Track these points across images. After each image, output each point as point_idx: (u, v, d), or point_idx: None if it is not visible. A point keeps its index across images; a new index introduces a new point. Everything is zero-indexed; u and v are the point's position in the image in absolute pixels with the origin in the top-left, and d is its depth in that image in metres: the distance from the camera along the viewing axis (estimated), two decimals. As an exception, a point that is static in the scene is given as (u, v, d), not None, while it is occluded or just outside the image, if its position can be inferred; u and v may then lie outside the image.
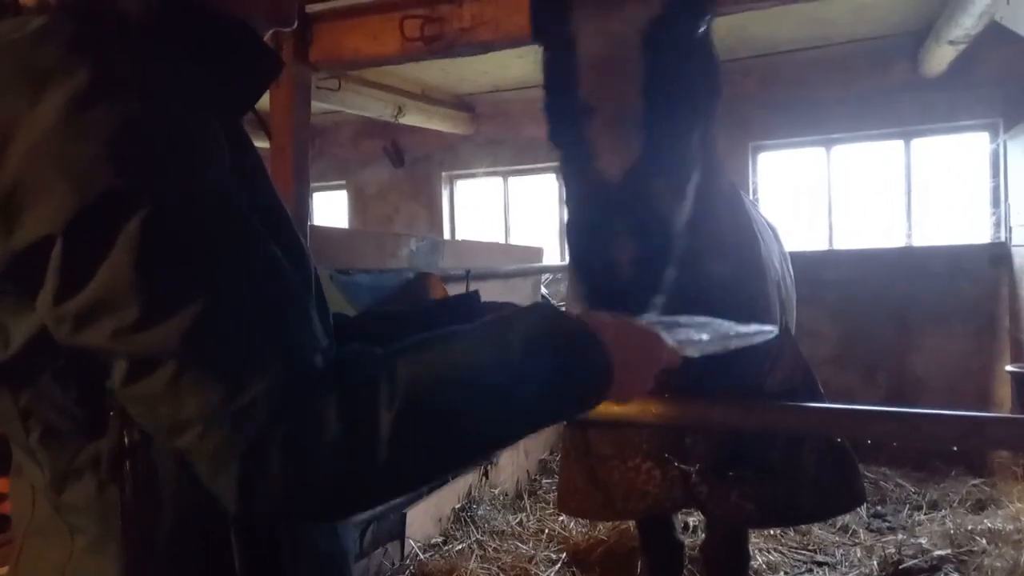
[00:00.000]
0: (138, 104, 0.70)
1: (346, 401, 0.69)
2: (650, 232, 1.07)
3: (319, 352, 0.73)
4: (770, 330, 1.15)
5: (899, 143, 6.27)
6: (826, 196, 6.53)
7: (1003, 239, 5.69)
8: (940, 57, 5.29)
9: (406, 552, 3.69)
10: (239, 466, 0.66)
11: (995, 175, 5.88)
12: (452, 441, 0.76)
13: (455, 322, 0.87)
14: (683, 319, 1.09)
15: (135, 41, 0.76)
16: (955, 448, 1.86)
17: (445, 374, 0.76)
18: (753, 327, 1.15)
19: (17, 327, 0.75)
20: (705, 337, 1.06)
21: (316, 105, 5.32)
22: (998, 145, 5.81)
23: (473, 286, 4.04)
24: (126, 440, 0.76)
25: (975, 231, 6.05)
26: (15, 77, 0.70)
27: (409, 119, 6.76)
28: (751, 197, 6.14)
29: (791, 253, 2.87)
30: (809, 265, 5.20)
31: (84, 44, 0.71)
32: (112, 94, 0.69)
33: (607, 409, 1.80)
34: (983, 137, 6.02)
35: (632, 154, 1.10)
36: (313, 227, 3.14)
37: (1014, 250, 5.46)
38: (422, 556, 3.70)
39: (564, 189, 1.28)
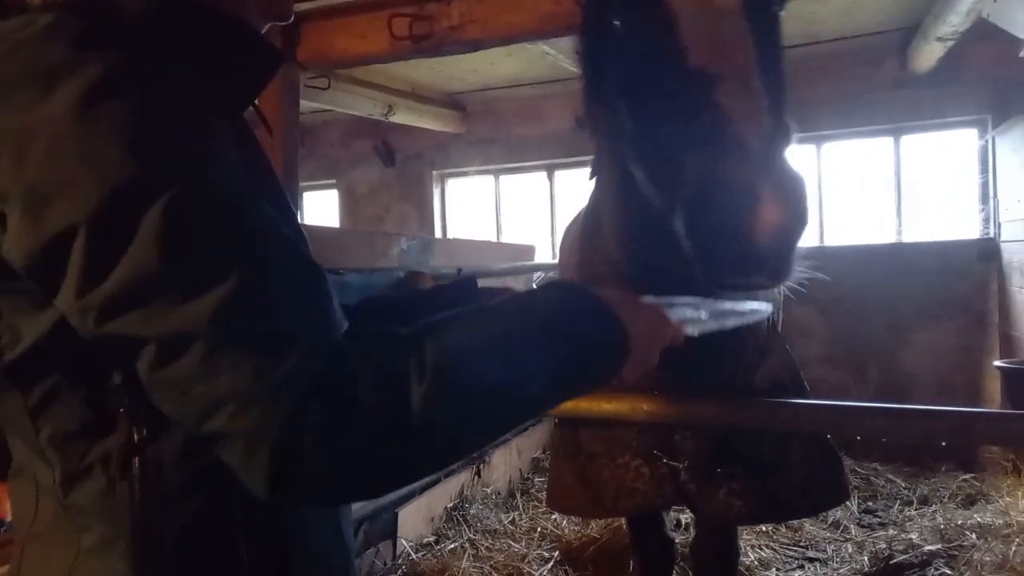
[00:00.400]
0: (149, 97, 0.71)
1: (377, 376, 0.70)
2: (798, 201, 1.04)
3: (345, 330, 0.74)
4: (765, 308, 1.16)
5: (888, 140, 6.29)
6: (816, 193, 6.55)
7: (992, 235, 5.72)
8: (928, 54, 5.31)
9: (398, 551, 3.69)
10: (273, 443, 0.66)
11: (984, 171, 5.91)
12: (483, 413, 0.78)
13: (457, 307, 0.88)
14: (678, 299, 1.09)
15: (136, 39, 0.76)
16: (944, 444, 1.87)
17: (472, 346, 0.77)
18: (748, 305, 1.16)
19: (28, 328, 0.75)
20: (703, 315, 1.07)
21: (306, 104, 5.31)
22: (987, 141, 5.84)
23: (464, 285, 4.02)
24: (135, 437, 0.76)
25: (964, 227, 6.08)
26: (26, 76, 0.70)
27: (399, 118, 6.74)
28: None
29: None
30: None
31: (92, 40, 0.72)
32: (123, 87, 0.70)
33: (597, 406, 1.80)
34: (971, 133, 6.05)
35: (767, 120, 1.09)
36: (303, 226, 3.12)
37: (1003, 246, 5.50)
38: (414, 555, 3.69)
39: (661, 161, 1.22)
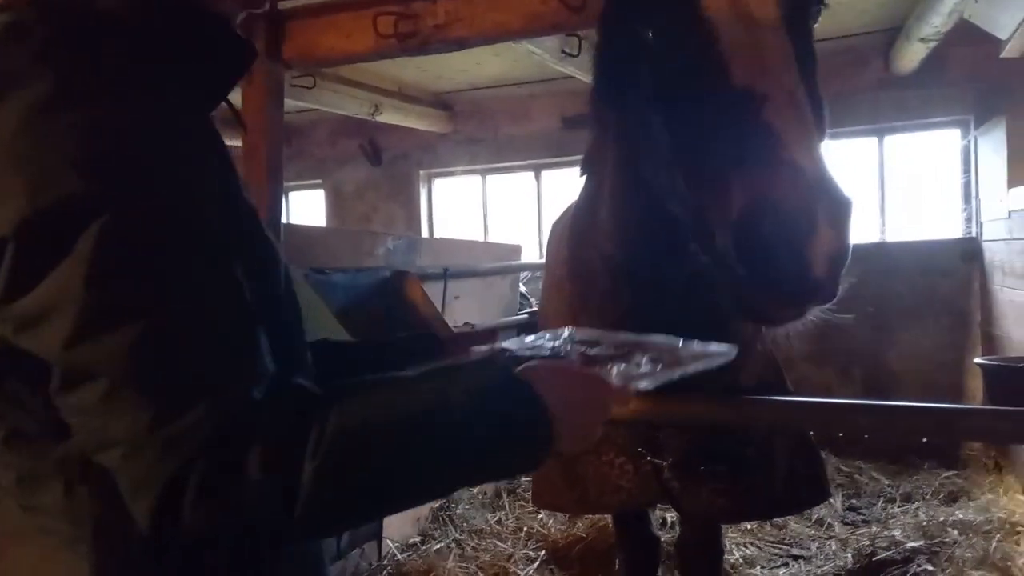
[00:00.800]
0: (105, 111, 0.69)
1: (272, 446, 0.68)
2: (845, 221, 1.02)
3: (259, 386, 0.71)
4: (728, 350, 1.11)
5: (873, 140, 6.34)
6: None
7: (974, 234, 5.77)
8: (912, 55, 5.36)
9: (383, 552, 3.68)
10: (156, 495, 0.66)
11: (966, 171, 5.97)
12: (375, 495, 0.75)
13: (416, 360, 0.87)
14: (647, 340, 1.07)
15: (112, 38, 0.75)
16: (925, 440, 1.89)
17: (378, 425, 0.74)
18: (713, 347, 1.11)
19: None
20: (659, 367, 1.03)
21: (292, 103, 5.28)
22: (969, 141, 5.90)
23: (451, 284, 4.03)
24: None
25: (947, 227, 6.14)
26: None
27: (386, 117, 6.73)
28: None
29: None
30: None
31: (52, 46, 0.70)
32: (78, 100, 0.68)
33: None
34: (954, 134, 6.11)
35: (818, 142, 1.07)
36: (288, 226, 3.12)
37: (985, 245, 5.55)
38: (400, 556, 3.69)
39: (698, 175, 1.19)
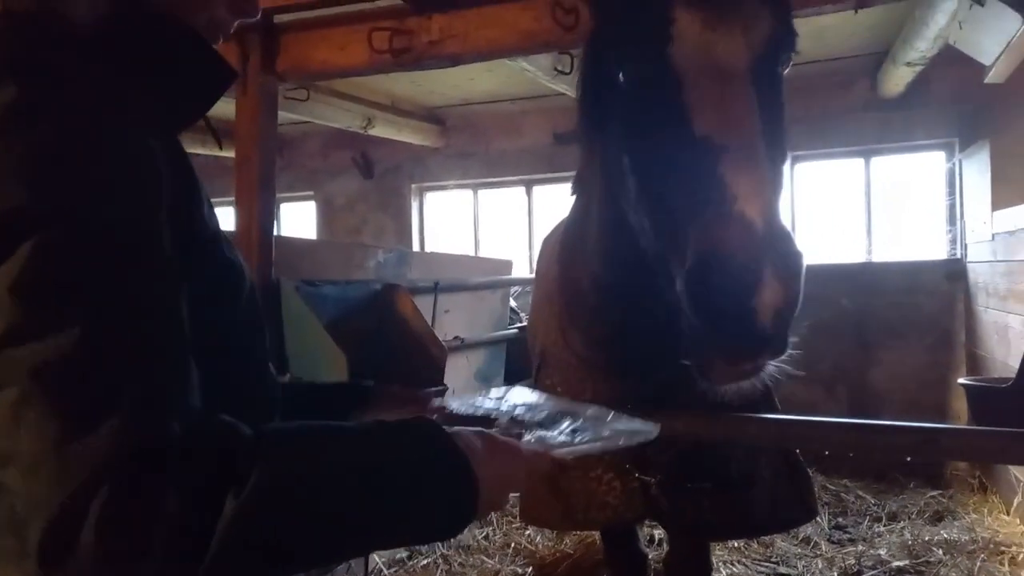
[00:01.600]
0: (62, 127, 0.69)
1: (187, 484, 0.65)
2: (797, 279, 1.03)
3: (179, 418, 0.68)
4: (653, 429, 1.11)
5: (859, 161, 6.42)
6: (788, 213, 6.65)
7: (959, 255, 5.84)
8: (898, 78, 5.44)
9: (370, 568, 3.65)
10: (49, 518, 0.62)
11: (951, 193, 6.04)
12: (291, 549, 0.71)
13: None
14: (580, 408, 1.10)
15: (79, 52, 0.74)
16: (909, 459, 1.90)
17: (304, 481, 0.71)
18: (638, 423, 1.12)
19: None
20: (579, 438, 1.04)
21: (284, 115, 5.28)
22: (954, 164, 5.98)
23: (442, 298, 4.03)
24: None
25: (932, 248, 6.21)
26: None
27: (379, 131, 6.74)
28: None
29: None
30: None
31: (18, 58, 0.70)
32: (36, 113, 0.68)
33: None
34: (939, 156, 6.19)
35: (772, 196, 1.07)
36: (278, 238, 3.11)
37: (969, 266, 5.61)
38: (387, 572, 3.66)
39: (655, 221, 1.23)
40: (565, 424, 1.07)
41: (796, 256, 1.05)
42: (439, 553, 3.91)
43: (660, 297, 1.55)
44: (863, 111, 6.11)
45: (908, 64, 5.02)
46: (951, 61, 5.01)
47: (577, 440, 1.04)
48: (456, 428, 0.88)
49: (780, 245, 1.03)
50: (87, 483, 0.62)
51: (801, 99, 6.25)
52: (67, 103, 0.70)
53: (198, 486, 0.65)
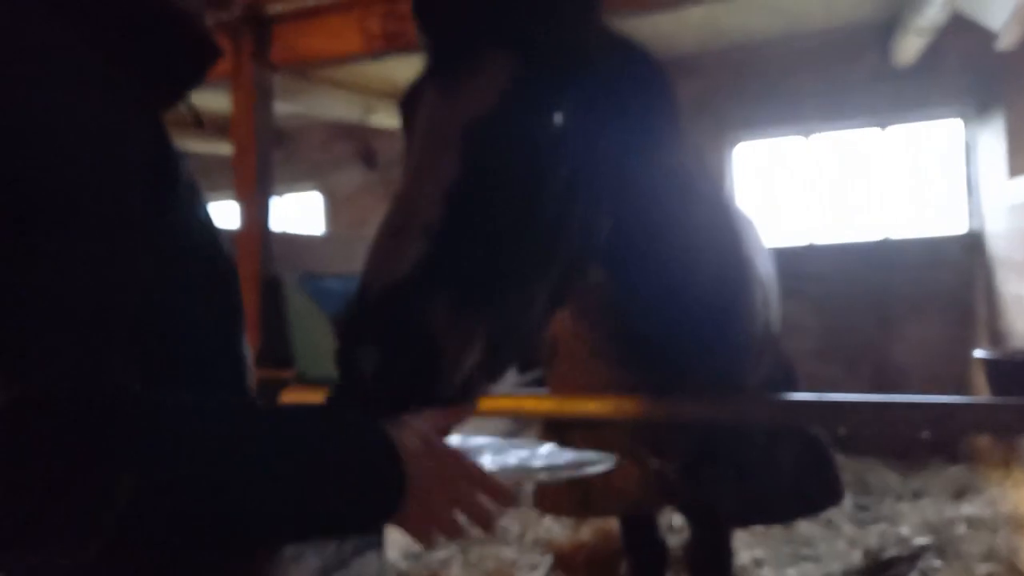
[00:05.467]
0: (28, 90, 0.68)
1: (87, 452, 0.62)
2: (392, 358, 0.91)
3: (78, 383, 0.65)
4: (606, 459, 1.06)
5: (875, 131, 6.30)
6: (804, 187, 6.56)
7: (978, 227, 5.74)
8: (909, 47, 5.32)
9: (387, 562, 3.63)
10: None
11: (968, 164, 5.93)
12: (187, 533, 0.68)
13: None
14: (535, 448, 1.05)
15: (55, 20, 0.73)
16: (926, 434, 1.88)
17: (197, 454, 0.68)
18: (592, 456, 1.07)
19: None
20: (530, 462, 1.00)
21: (283, 108, 5.24)
22: (970, 133, 5.86)
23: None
24: None
25: (951, 220, 6.10)
26: None
27: (379, 120, 6.69)
28: (728, 191, 6.15)
29: (773, 248, 2.85)
30: (790, 260, 5.20)
31: None
32: (13, 80, 0.67)
33: (582, 406, 1.77)
34: (957, 124, 6.07)
35: (393, 273, 0.94)
36: (281, 234, 3.08)
37: (988, 238, 5.51)
38: (403, 564, 3.64)
39: None
40: (518, 451, 1.02)
41: (388, 323, 0.92)
42: (455, 546, 3.89)
43: (666, 289, 1.52)
44: (876, 81, 6.00)
45: (919, 31, 4.91)
46: (964, 29, 4.90)
47: (527, 463, 0.99)
48: (399, 424, 0.81)
49: (378, 311, 0.93)
50: None
51: (812, 71, 6.15)
52: (39, 72, 0.69)
53: (95, 463, 0.62)
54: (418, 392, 0.90)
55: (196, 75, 0.89)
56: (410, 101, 1.19)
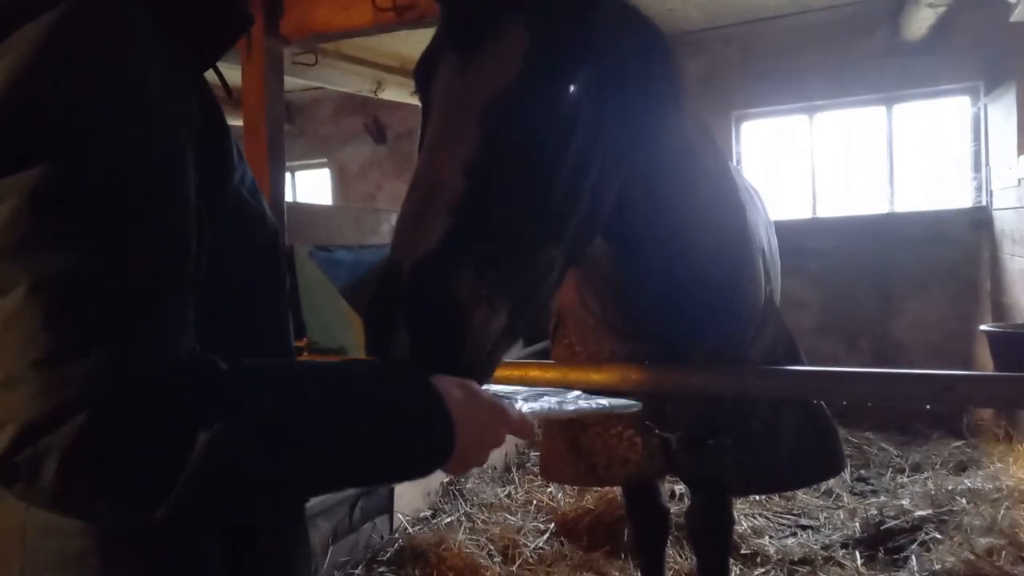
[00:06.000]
0: (100, 46, 0.69)
1: (159, 424, 0.65)
2: (427, 330, 0.95)
3: (167, 357, 0.68)
4: (633, 404, 1.15)
5: (881, 108, 6.26)
6: (809, 163, 6.54)
7: (984, 203, 5.72)
8: (920, 21, 5.27)
9: (395, 526, 3.71)
10: (15, 437, 0.62)
11: (976, 139, 5.89)
12: (268, 478, 0.72)
13: None
14: (566, 394, 1.12)
15: None
16: (928, 407, 1.88)
17: (268, 415, 0.71)
18: (621, 402, 1.17)
19: None
20: (560, 404, 1.07)
21: (293, 81, 5.24)
22: (979, 108, 5.81)
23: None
24: None
25: (957, 195, 6.08)
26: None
27: (389, 94, 6.67)
28: (734, 164, 6.14)
29: (775, 222, 2.87)
30: (792, 234, 5.21)
31: None
32: (77, 37, 0.68)
33: (586, 376, 1.81)
34: (964, 101, 6.02)
35: (422, 247, 0.97)
36: (291, 204, 3.11)
37: (995, 214, 5.50)
38: (411, 530, 3.72)
39: None
40: (550, 397, 1.08)
41: (420, 297, 0.96)
42: (462, 511, 3.97)
43: (671, 261, 1.55)
44: (885, 56, 5.94)
45: (930, 5, 4.86)
46: (975, 2, 4.85)
47: (556, 404, 1.06)
48: (437, 375, 0.86)
49: (410, 286, 0.96)
50: (60, 409, 0.62)
51: (820, 46, 6.10)
52: (103, 27, 0.70)
53: (171, 425, 0.65)
54: (449, 361, 0.94)
55: (229, 41, 0.91)
56: (425, 70, 1.20)
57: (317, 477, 0.76)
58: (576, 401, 1.11)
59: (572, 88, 1.16)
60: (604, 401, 1.13)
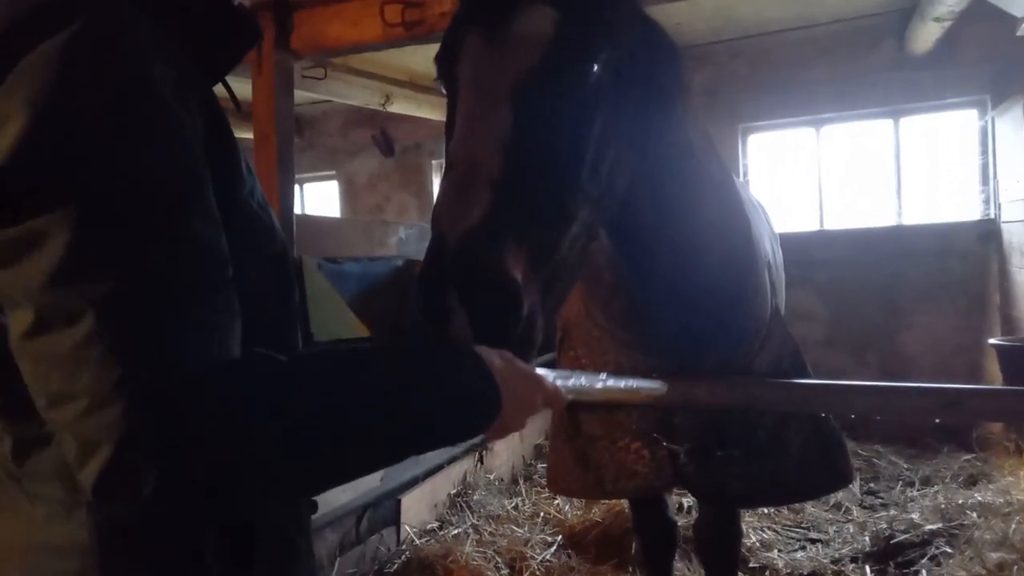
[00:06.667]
0: (122, 57, 0.70)
1: (234, 410, 0.68)
2: (481, 302, 0.99)
3: (226, 354, 0.71)
4: (660, 386, 1.23)
5: (888, 122, 6.27)
6: (816, 177, 6.54)
7: (992, 216, 5.70)
8: (926, 35, 5.28)
9: (402, 537, 3.71)
10: (107, 454, 0.64)
11: (984, 152, 5.89)
12: (326, 463, 0.75)
13: None
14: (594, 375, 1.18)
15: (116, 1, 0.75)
16: (937, 420, 1.87)
17: (332, 396, 0.74)
18: (648, 381, 1.26)
19: None
20: (582, 382, 1.13)
21: (303, 95, 5.29)
22: (986, 122, 5.81)
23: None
24: None
25: (964, 209, 6.07)
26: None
27: (397, 107, 6.73)
28: (741, 179, 6.15)
29: (781, 234, 2.87)
30: (799, 246, 5.22)
31: None
32: (101, 48, 0.69)
33: (592, 389, 1.81)
34: (971, 114, 6.02)
35: (466, 222, 1.01)
36: (300, 216, 3.13)
37: (1003, 226, 5.48)
38: (418, 541, 3.71)
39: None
40: (580, 377, 1.14)
41: (470, 269, 1.00)
42: (469, 523, 3.96)
43: (677, 271, 1.56)
44: (891, 70, 5.96)
45: (937, 19, 4.88)
46: (981, 16, 4.85)
47: (590, 384, 1.12)
48: (478, 346, 0.91)
49: (460, 267, 0.99)
50: (149, 422, 0.64)
51: (827, 60, 6.12)
52: (125, 37, 0.71)
53: (242, 418, 0.68)
54: (499, 332, 0.99)
55: (238, 55, 0.93)
56: (449, 49, 1.23)
57: (375, 450, 0.80)
58: (605, 381, 1.16)
59: (596, 68, 1.20)
60: (632, 382, 1.20)
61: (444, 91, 1.27)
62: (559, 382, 1.05)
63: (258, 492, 0.71)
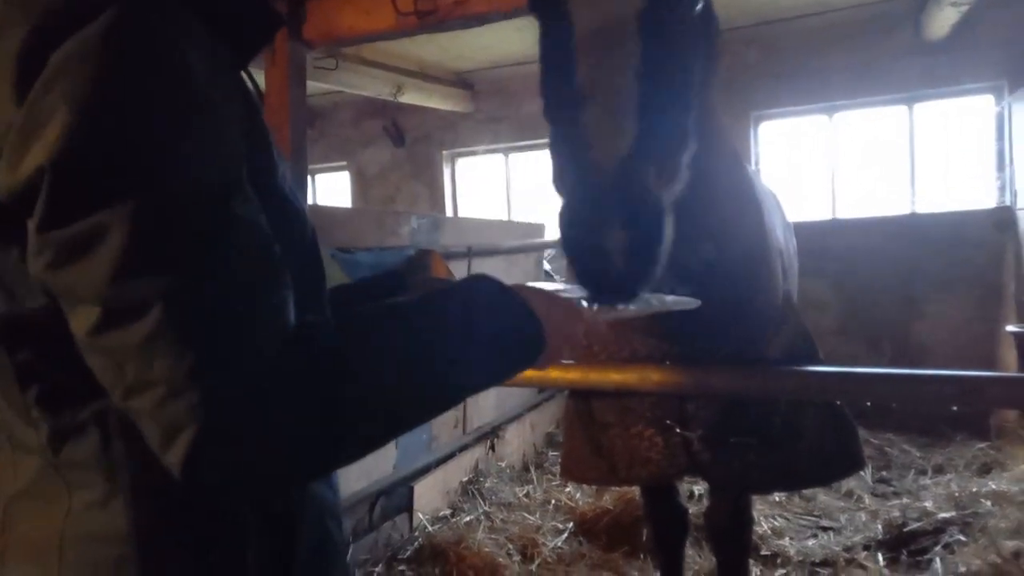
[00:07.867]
0: (161, 45, 0.70)
1: (301, 383, 0.71)
2: (642, 224, 1.08)
3: (286, 330, 0.73)
4: (693, 303, 1.26)
5: (903, 108, 6.21)
6: (829, 164, 6.50)
7: (1008, 203, 5.65)
8: (942, 20, 5.23)
9: (414, 524, 3.74)
10: (192, 437, 0.65)
11: (1000, 138, 5.83)
12: (395, 410, 0.80)
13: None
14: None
15: None
16: (955, 408, 1.87)
17: (389, 346, 0.79)
18: (685, 300, 1.27)
19: (22, 283, 0.73)
20: (628, 307, 1.15)
21: (315, 86, 5.30)
22: (1003, 108, 5.75)
23: (475, 263, 4.05)
24: None
25: (980, 196, 6.01)
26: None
27: (408, 98, 6.73)
28: (753, 167, 6.11)
29: (795, 223, 2.86)
30: (813, 235, 5.18)
31: None
32: (138, 32, 0.69)
33: (606, 376, 1.82)
34: (988, 100, 5.96)
35: (624, 144, 1.10)
36: (312, 207, 3.14)
37: (1020, 214, 5.43)
38: (430, 528, 3.75)
39: (555, 169, 1.30)
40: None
41: (645, 204, 1.09)
42: (481, 511, 3.99)
43: (687, 260, 1.56)
44: (906, 56, 5.90)
45: (953, 4, 4.82)
46: (998, 1, 4.80)
47: (620, 307, 1.14)
48: (514, 284, 0.95)
49: (628, 192, 1.08)
50: (227, 405, 0.66)
51: (841, 46, 6.07)
52: (161, 26, 0.71)
53: (308, 385, 0.71)
54: (654, 256, 1.08)
55: (261, 41, 0.93)
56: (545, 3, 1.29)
57: (433, 393, 0.84)
58: (641, 300, 1.19)
59: (694, 12, 1.30)
60: (668, 298, 1.23)
61: (540, 23, 1.33)
62: (595, 307, 1.08)
63: (356, 435, 0.76)
